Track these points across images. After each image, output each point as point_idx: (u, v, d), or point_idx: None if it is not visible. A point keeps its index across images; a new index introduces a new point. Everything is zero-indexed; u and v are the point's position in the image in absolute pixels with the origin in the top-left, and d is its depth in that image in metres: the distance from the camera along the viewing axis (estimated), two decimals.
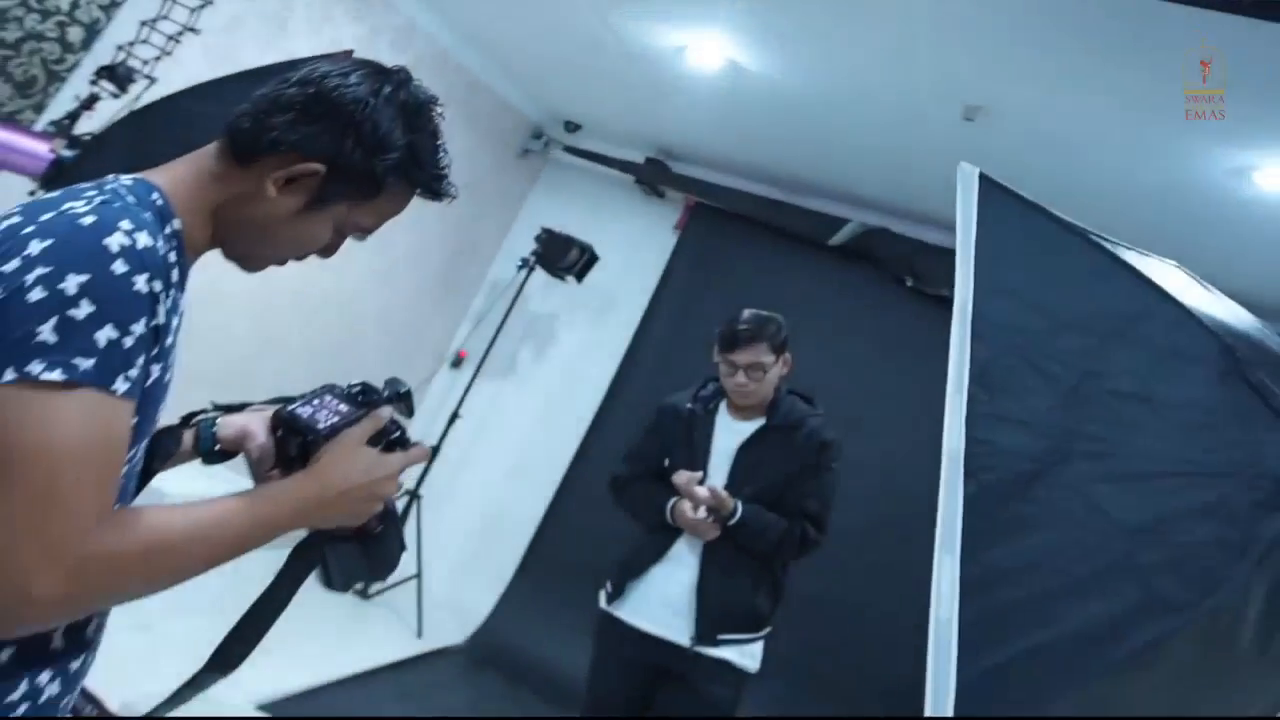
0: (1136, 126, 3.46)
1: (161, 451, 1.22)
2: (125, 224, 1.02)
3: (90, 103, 3.17)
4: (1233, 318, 1.93)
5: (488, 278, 6.24)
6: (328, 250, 1.27)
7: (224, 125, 1.20)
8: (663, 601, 2.68)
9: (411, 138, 1.21)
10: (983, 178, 1.99)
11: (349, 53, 1.79)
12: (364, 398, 1.24)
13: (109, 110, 3.17)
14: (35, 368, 0.94)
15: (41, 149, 2.98)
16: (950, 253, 1.73)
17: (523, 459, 5.70)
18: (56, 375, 0.95)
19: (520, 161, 6.22)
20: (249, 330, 4.63)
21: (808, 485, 2.71)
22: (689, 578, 2.67)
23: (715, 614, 2.64)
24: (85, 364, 0.96)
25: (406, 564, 5.00)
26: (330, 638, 4.36)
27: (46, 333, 0.95)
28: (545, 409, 5.80)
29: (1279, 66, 2.71)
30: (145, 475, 1.21)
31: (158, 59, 3.29)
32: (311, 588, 4.10)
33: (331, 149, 1.16)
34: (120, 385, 0.99)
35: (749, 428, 2.80)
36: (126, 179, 1.13)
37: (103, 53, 3.45)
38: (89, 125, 3.17)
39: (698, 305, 5.48)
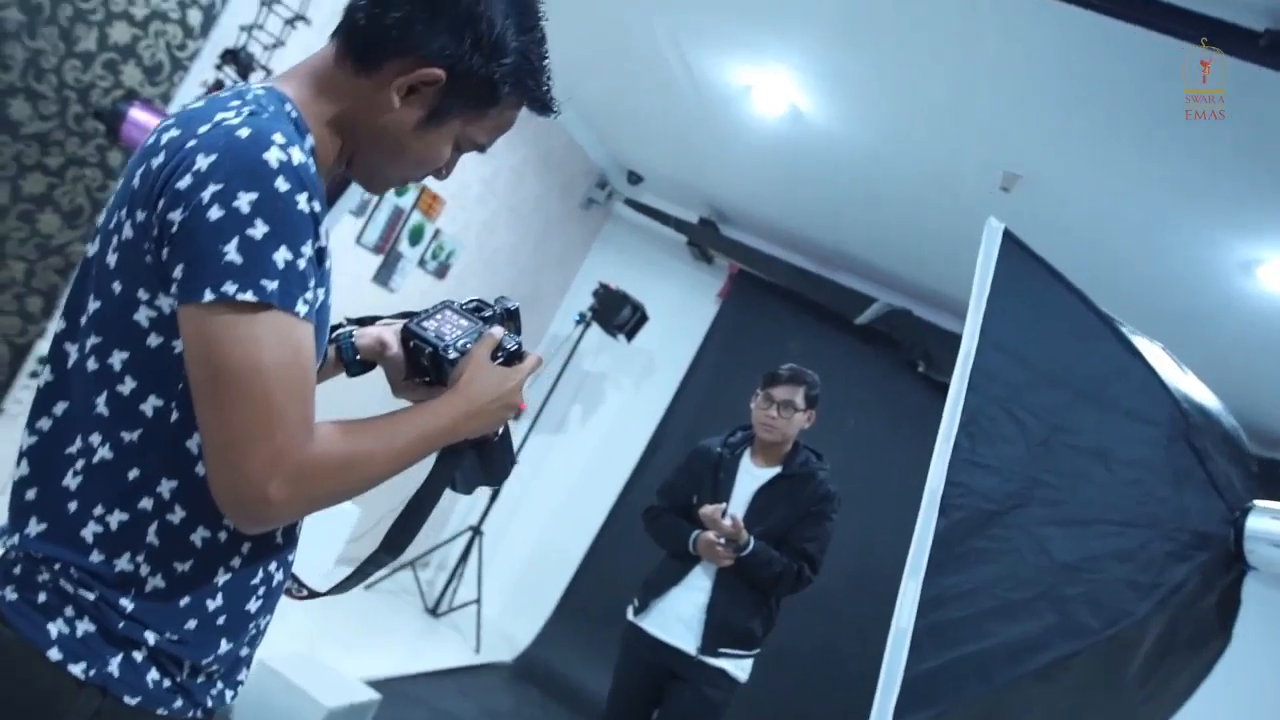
0: (1160, 211, 3.49)
1: None
2: (278, 137, 0.96)
3: (216, 88, 3.03)
4: (1198, 393, 2.06)
5: (548, 332, 6.33)
6: (445, 170, 1.19)
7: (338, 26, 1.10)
8: (677, 617, 3.01)
9: (523, 40, 1.11)
10: (1006, 234, 2.25)
11: None
12: (479, 313, 1.26)
13: None
14: (230, 288, 0.91)
15: None
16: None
17: (567, 508, 5.97)
18: (250, 296, 0.91)
19: (584, 213, 6.23)
20: None
21: (809, 530, 3.01)
22: (701, 600, 2.99)
23: (718, 631, 2.96)
24: (271, 285, 0.93)
25: (468, 590, 5.40)
26: (410, 645, 4.94)
27: (232, 252, 0.91)
28: (589, 465, 6.05)
29: None
30: None
31: (274, 47, 3.14)
32: (398, 610, 4.65)
33: (451, 49, 1.06)
34: (301, 308, 0.96)
35: (767, 474, 3.10)
36: (258, 87, 1.06)
37: (220, 38, 3.38)
38: None
39: (731, 376, 5.60)
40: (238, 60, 3.08)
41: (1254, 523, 1.90)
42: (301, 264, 0.96)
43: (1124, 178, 3.42)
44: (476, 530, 5.46)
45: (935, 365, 5.27)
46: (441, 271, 5.17)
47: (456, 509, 6.03)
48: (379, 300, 4.78)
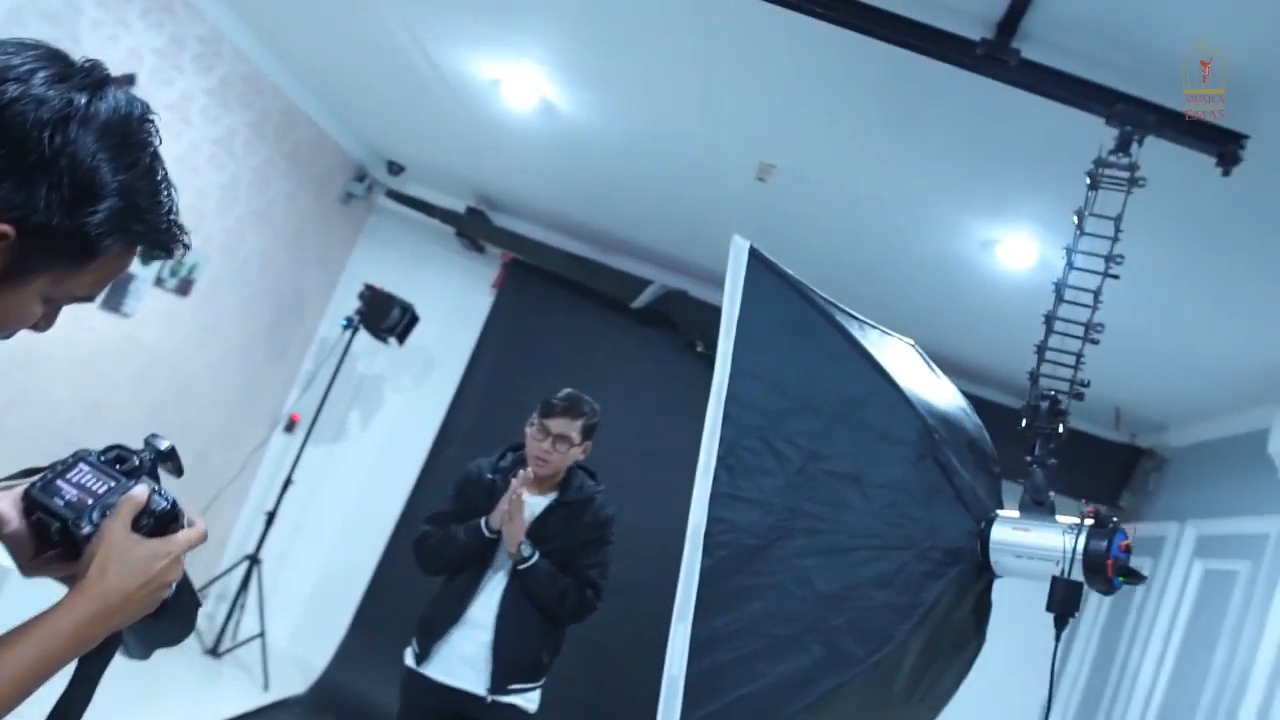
0: (910, 196, 3.58)
1: None
2: None
3: None
4: (942, 399, 2.13)
5: (317, 336, 5.98)
6: (42, 324, 0.97)
7: None
8: (461, 658, 2.92)
9: (124, 179, 0.89)
10: (753, 252, 2.20)
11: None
12: (121, 464, 1.04)
13: None
14: None
15: None
16: None
17: (353, 520, 5.71)
18: None
19: (344, 208, 5.84)
20: (72, 394, 4.22)
21: (590, 557, 2.98)
22: (485, 638, 2.91)
23: (507, 668, 2.90)
24: None
25: (251, 623, 5.07)
26: (188, 695, 4.51)
27: None
28: (373, 471, 5.80)
29: (1023, 144, 2.93)
30: None
31: None
32: (171, 657, 4.23)
33: (19, 200, 0.83)
34: None
35: (543, 501, 3.01)
36: None
37: None
38: None
39: (512, 367, 5.57)
40: None
41: (996, 534, 1.97)
42: None
43: (869, 168, 3.52)
44: (253, 559, 5.13)
45: (712, 344, 5.24)
46: (184, 288, 4.75)
47: (232, 537, 5.66)
48: (112, 328, 4.35)
